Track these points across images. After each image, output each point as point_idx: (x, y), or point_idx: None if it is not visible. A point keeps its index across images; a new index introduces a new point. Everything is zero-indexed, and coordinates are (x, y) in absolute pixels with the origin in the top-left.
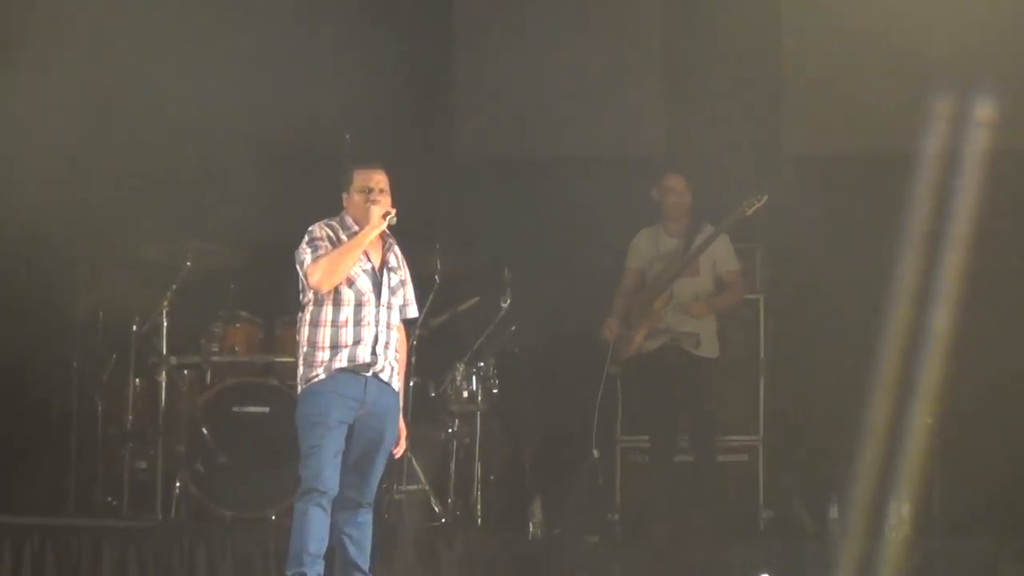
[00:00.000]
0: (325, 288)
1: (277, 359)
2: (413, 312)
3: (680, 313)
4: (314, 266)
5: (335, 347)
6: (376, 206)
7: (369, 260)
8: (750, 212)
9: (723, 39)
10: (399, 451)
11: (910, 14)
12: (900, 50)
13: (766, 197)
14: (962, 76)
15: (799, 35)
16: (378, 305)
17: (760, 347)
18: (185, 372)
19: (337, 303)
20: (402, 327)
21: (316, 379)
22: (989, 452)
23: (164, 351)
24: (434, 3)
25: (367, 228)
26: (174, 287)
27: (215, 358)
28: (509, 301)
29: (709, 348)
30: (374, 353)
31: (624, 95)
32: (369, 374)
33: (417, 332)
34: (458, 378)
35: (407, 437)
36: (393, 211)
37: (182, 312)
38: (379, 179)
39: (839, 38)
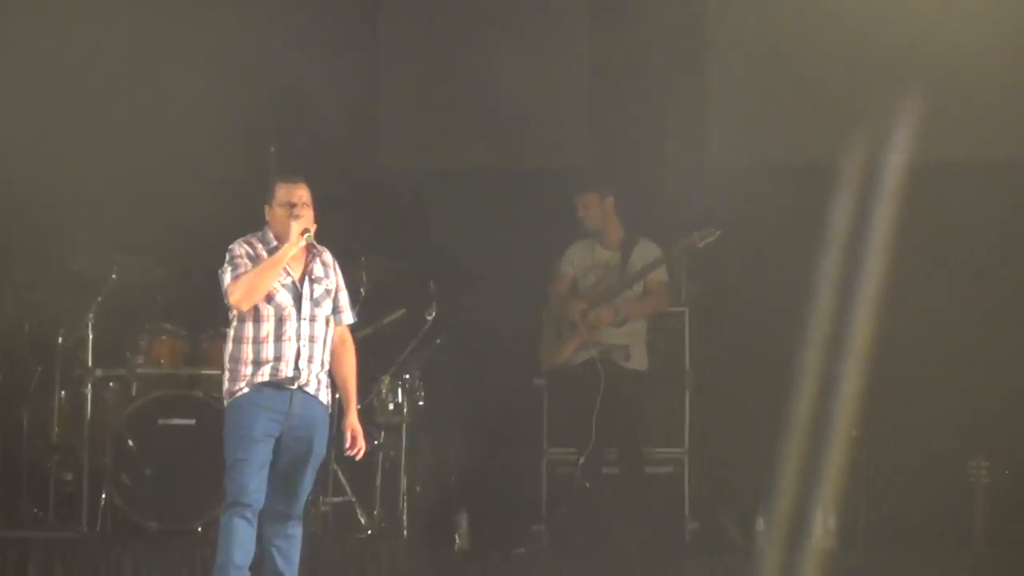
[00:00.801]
0: (245, 307)
1: (202, 372)
2: (349, 318)
3: (611, 326)
4: (233, 285)
5: (257, 363)
6: (296, 222)
7: (289, 274)
8: (701, 245)
9: (649, 51)
10: (359, 454)
11: (834, 28)
12: (824, 63)
13: (719, 232)
14: (885, 90)
15: (725, 46)
16: (299, 319)
17: (686, 359)
18: (111, 384)
19: (258, 319)
20: (347, 331)
21: (240, 392)
22: (914, 465)
23: (90, 363)
24: (359, 13)
25: (286, 245)
26: (100, 299)
27: (141, 370)
28: (434, 313)
29: (638, 361)
30: (296, 367)
31: (550, 105)
32: (294, 387)
33: None
34: (384, 390)
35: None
36: (312, 228)
37: (108, 324)
38: (301, 193)
39: (765, 50)
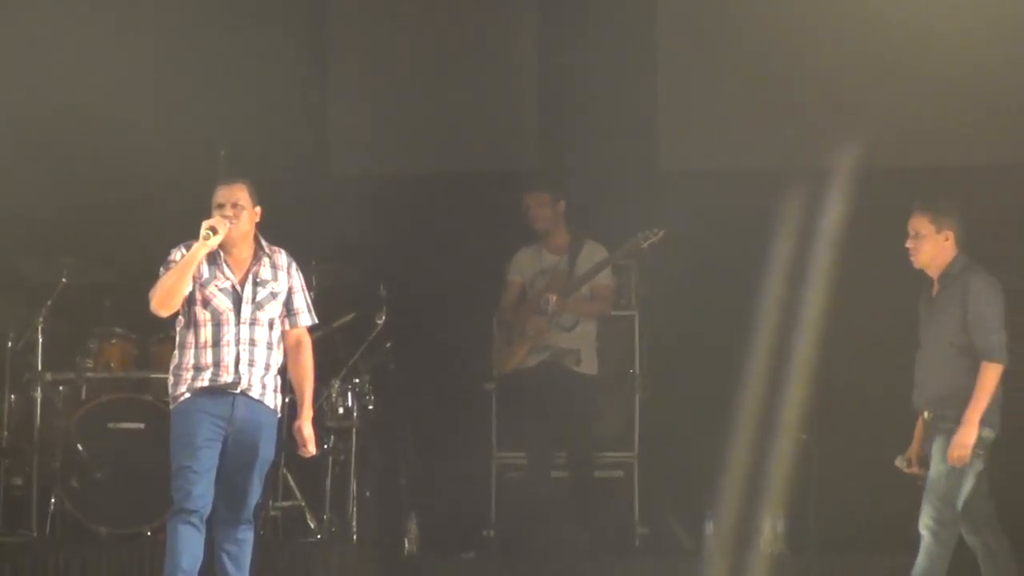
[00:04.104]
0: (163, 312)
1: (152, 375)
2: (306, 320)
3: (561, 330)
4: (151, 291)
5: (197, 368)
6: (205, 221)
7: (228, 278)
8: (645, 245)
9: (598, 53)
10: (309, 452)
11: (786, 31)
12: (776, 67)
13: (663, 232)
14: (837, 95)
15: (676, 49)
16: (238, 323)
17: (635, 363)
18: (60, 388)
19: (196, 325)
20: (304, 333)
21: (182, 398)
22: (864, 468)
23: (39, 367)
24: (308, 17)
25: (195, 246)
26: (49, 303)
27: (90, 374)
28: (384, 317)
29: (589, 365)
30: (236, 372)
31: (498, 109)
32: (237, 392)
33: None
34: (333, 394)
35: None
36: (221, 227)
37: (57, 328)
38: (232, 194)
39: (716, 53)
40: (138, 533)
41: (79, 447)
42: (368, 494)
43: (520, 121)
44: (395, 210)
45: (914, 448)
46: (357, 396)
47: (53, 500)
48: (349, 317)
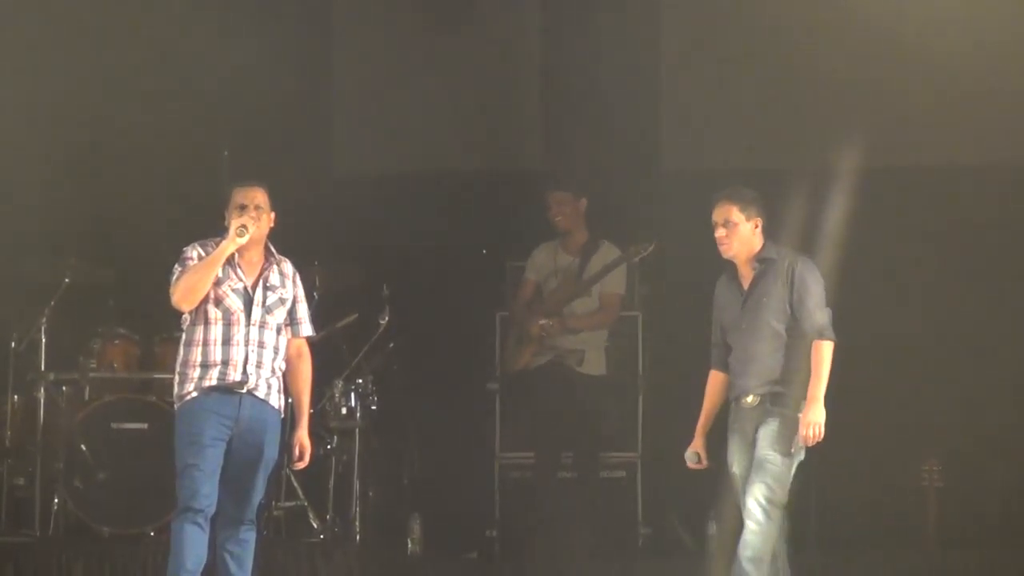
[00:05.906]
0: (185, 307)
1: (155, 376)
2: (307, 331)
3: (567, 332)
4: (174, 286)
5: (205, 366)
6: (234, 220)
7: (241, 279)
8: (636, 260)
9: (602, 53)
10: (302, 465)
11: (786, 33)
12: (777, 67)
13: (653, 246)
14: (838, 95)
15: (678, 49)
16: (248, 324)
17: (639, 363)
18: (64, 388)
19: (206, 322)
20: (304, 344)
21: (189, 396)
22: (866, 468)
23: (42, 367)
24: (313, 16)
25: (224, 243)
26: (52, 303)
27: (93, 374)
28: (387, 318)
29: (595, 365)
30: (244, 372)
31: (502, 109)
32: (243, 391)
33: None
34: (337, 395)
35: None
36: (250, 226)
37: (60, 328)
38: (254, 196)
39: (718, 53)
40: (141, 533)
41: (82, 447)
42: (371, 494)
43: (523, 120)
44: (398, 210)
45: (700, 440)
46: (360, 396)
47: (56, 500)
48: (352, 317)
